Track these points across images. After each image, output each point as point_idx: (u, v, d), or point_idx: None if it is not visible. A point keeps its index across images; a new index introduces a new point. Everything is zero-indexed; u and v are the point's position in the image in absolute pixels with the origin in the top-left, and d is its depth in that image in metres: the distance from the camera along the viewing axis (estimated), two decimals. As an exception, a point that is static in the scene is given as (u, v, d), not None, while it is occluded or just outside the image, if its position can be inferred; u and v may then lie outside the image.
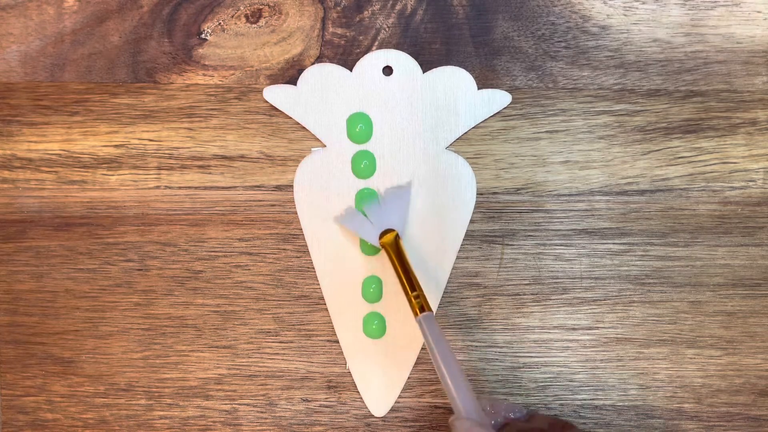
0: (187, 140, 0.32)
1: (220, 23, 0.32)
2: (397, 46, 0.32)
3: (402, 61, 0.31)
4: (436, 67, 0.31)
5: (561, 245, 0.32)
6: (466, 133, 0.32)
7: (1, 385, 0.33)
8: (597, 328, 0.32)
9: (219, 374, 0.32)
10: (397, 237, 0.30)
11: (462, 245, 0.32)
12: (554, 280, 0.32)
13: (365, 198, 0.31)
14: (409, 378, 0.32)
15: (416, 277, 0.29)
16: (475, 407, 0.25)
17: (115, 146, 0.32)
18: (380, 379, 0.32)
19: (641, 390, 0.32)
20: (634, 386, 0.32)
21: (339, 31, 0.32)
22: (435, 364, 0.26)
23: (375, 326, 0.32)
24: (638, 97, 0.32)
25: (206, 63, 0.32)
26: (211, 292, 0.32)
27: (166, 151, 0.32)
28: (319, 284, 0.32)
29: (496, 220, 0.32)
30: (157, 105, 0.32)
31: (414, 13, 0.32)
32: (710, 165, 0.32)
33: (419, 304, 0.28)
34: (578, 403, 0.32)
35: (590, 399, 0.32)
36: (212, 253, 0.32)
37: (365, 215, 0.31)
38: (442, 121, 0.31)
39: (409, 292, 0.28)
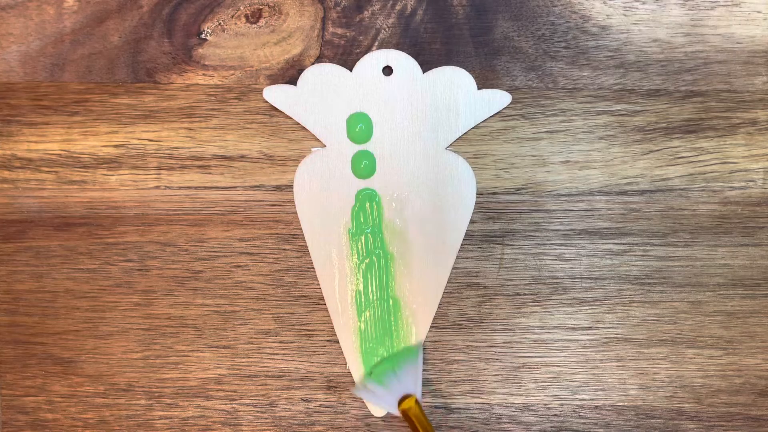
0: (187, 140, 0.32)
1: (220, 23, 0.32)
2: (397, 46, 0.32)
3: (402, 61, 0.31)
4: (436, 67, 0.31)
5: (561, 245, 0.32)
6: (466, 133, 0.32)
7: (1, 385, 0.33)
8: (597, 328, 0.32)
9: (219, 374, 0.32)
10: (416, 402, 0.30)
11: (462, 245, 0.32)
12: (554, 280, 0.32)
13: (379, 371, 0.31)
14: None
15: None
16: None
17: (115, 146, 0.32)
18: (380, 379, 0.32)
19: (641, 390, 0.32)
20: (634, 386, 0.32)
21: (339, 31, 0.32)
22: None
23: (375, 326, 0.32)
24: (638, 97, 0.32)
25: (206, 63, 0.32)
26: (211, 292, 0.32)
27: (166, 151, 0.32)
28: (319, 284, 0.32)
29: (496, 220, 0.32)
30: (157, 105, 0.32)
31: (414, 13, 0.32)
32: (710, 165, 0.32)
33: None
34: (578, 403, 0.32)
35: (590, 399, 0.32)
36: (212, 253, 0.32)
37: (380, 383, 0.30)
38: (442, 121, 0.31)
39: None
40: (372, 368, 0.32)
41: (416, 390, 0.30)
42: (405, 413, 0.29)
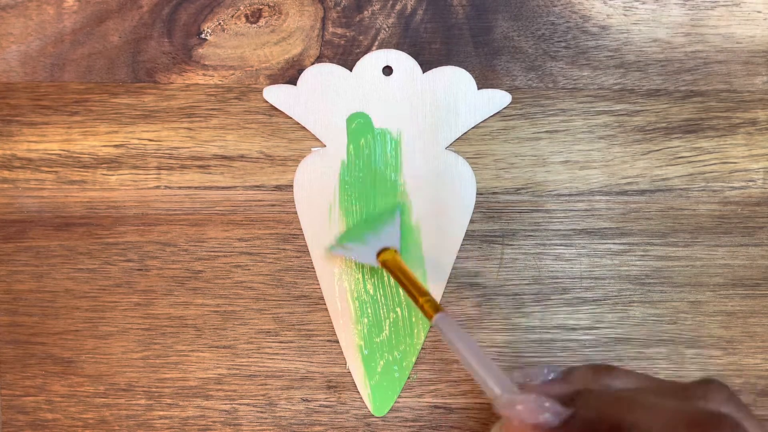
0: (187, 140, 0.32)
1: (220, 23, 0.32)
2: (397, 46, 0.32)
3: (402, 61, 0.31)
4: (436, 67, 0.31)
5: (561, 245, 0.32)
6: (466, 133, 0.32)
7: (1, 385, 0.33)
8: (597, 328, 0.32)
9: (219, 374, 0.32)
10: (395, 253, 0.30)
11: (462, 245, 0.32)
12: (554, 280, 0.32)
13: (356, 231, 0.31)
14: (409, 378, 0.32)
15: (421, 283, 0.28)
16: (512, 386, 0.23)
17: (115, 146, 0.32)
18: (380, 379, 0.32)
19: (641, 390, 0.32)
20: (634, 386, 0.32)
21: (339, 31, 0.32)
22: (462, 360, 0.24)
23: (375, 326, 0.32)
24: (638, 97, 0.32)
25: (206, 63, 0.32)
26: (211, 292, 0.32)
27: (166, 151, 0.32)
28: (319, 284, 0.32)
29: (496, 220, 0.32)
30: (157, 105, 0.32)
31: (414, 13, 0.32)
32: (710, 165, 0.32)
33: (432, 308, 0.26)
34: (578, 403, 0.32)
35: (590, 399, 0.32)
36: (212, 253, 0.32)
37: (359, 240, 0.30)
38: (442, 121, 0.31)
39: (419, 300, 0.27)
40: (348, 230, 0.31)
41: (395, 243, 0.30)
42: (385, 264, 0.29)
